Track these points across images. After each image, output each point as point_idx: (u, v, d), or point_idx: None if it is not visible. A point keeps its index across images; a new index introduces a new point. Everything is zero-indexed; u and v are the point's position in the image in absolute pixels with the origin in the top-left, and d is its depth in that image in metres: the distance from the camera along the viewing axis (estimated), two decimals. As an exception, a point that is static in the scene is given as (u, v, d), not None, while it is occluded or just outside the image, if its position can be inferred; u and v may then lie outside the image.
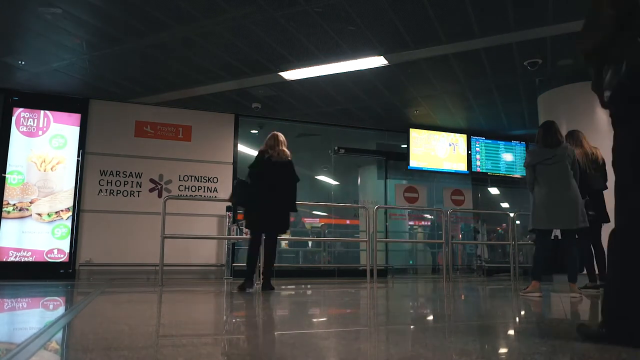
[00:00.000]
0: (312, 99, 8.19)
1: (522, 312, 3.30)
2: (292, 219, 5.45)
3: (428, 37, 5.91)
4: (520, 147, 10.45)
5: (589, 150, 5.12)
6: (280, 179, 4.86)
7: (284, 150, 4.96)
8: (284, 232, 5.19)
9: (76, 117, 7.97)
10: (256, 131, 9.94)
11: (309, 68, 6.82)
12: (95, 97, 8.03)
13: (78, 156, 7.87)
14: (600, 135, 6.79)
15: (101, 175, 7.95)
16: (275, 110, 8.80)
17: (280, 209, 4.89)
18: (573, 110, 7.01)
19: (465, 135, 10.13)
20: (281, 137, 5.05)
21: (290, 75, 7.06)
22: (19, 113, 7.71)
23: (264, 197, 4.77)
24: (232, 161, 8.80)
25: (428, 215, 11.60)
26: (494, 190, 11.87)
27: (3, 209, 7.40)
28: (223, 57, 6.51)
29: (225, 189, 8.64)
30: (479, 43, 6.07)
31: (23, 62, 6.67)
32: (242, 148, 9.31)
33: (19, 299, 4.09)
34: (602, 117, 6.83)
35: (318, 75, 7.06)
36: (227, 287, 5.77)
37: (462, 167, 10.12)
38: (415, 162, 9.77)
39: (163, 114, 8.39)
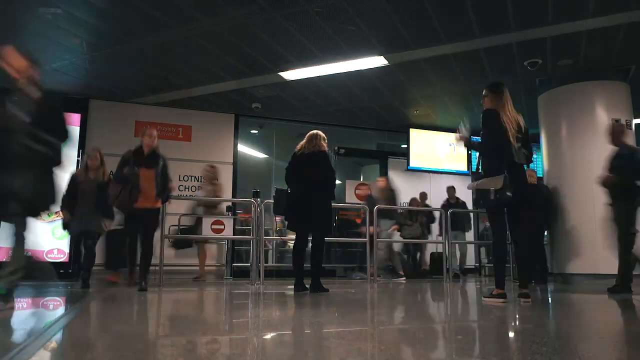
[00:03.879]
0: (312, 99, 8.19)
1: (524, 314, 3.29)
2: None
3: (428, 37, 5.91)
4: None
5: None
6: (315, 173, 4.61)
7: (320, 144, 4.71)
8: (327, 231, 4.80)
9: (76, 117, 7.96)
10: (256, 131, 9.95)
11: (309, 68, 6.81)
12: (95, 97, 8.03)
13: (78, 156, 7.86)
14: (599, 136, 6.79)
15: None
16: (275, 110, 8.80)
17: (319, 205, 4.62)
18: (573, 110, 7.00)
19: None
20: (320, 133, 4.82)
21: (290, 75, 7.06)
22: (19, 113, 7.69)
23: (301, 195, 4.61)
24: (232, 161, 8.80)
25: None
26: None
27: (3, 209, 7.39)
28: (223, 57, 6.50)
29: (225, 188, 8.63)
30: (479, 43, 6.07)
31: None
32: (242, 148, 9.32)
33: (18, 299, 4.08)
34: (602, 117, 6.83)
35: (318, 75, 7.05)
36: (227, 288, 5.76)
37: (462, 167, 10.12)
38: (415, 162, 9.77)
39: (163, 114, 8.38)
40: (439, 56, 6.45)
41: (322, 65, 6.72)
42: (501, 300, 3.62)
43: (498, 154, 3.68)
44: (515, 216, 3.81)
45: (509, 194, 3.55)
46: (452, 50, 6.28)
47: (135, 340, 1.91)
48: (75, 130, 7.92)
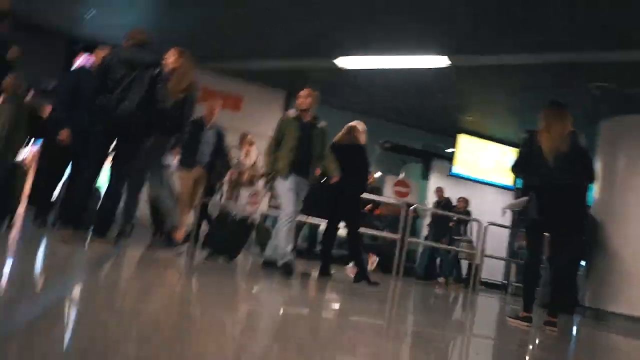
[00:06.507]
0: (365, 89, 8.07)
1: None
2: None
3: (499, 45, 5.72)
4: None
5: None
6: (350, 165, 4.61)
7: (357, 137, 4.82)
8: (358, 222, 4.86)
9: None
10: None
11: (368, 57, 6.71)
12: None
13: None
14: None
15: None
16: (325, 95, 8.71)
17: (351, 197, 4.70)
18: (635, 142, 6.64)
19: (516, 150, 9.79)
20: (359, 126, 4.90)
21: (346, 62, 6.97)
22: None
23: (334, 185, 4.52)
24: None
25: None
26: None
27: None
28: (283, 35, 6.48)
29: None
30: (549, 58, 5.83)
31: (92, 12, 6.84)
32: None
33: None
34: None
35: (376, 67, 6.95)
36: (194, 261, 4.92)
37: (508, 181, 9.81)
38: (459, 168, 9.54)
39: (217, 81, 8.43)
40: (505, 66, 6.25)
41: (382, 56, 6.60)
42: (526, 323, 3.51)
43: (524, 176, 3.79)
44: (554, 239, 3.69)
45: (534, 216, 3.50)
46: (520, 62, 6.07)
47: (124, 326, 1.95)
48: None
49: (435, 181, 10.03)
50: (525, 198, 3.61)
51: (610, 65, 5.77)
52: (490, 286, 9.19)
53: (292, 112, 4.50)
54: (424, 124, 9.65)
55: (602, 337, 4.43)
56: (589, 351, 3.23)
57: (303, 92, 4.51)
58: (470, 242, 8.30)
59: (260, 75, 8.31)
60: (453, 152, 9.55)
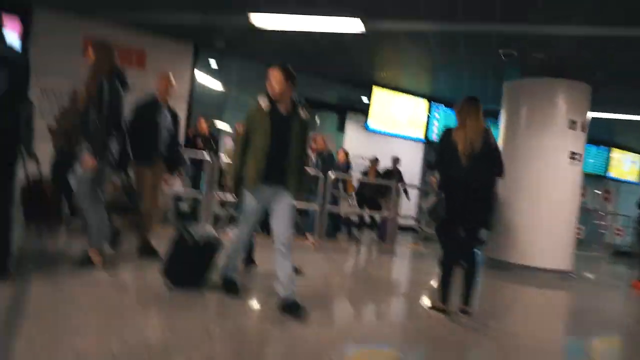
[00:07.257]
0: (278, 45, 7.69)
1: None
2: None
3: (409, 11, 5.65)
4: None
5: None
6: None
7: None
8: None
9: (15, 21, 7.07)
10: (215, 67, 9.32)
11: (281, 15, 6.34)
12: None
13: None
14: (557, 134, 6.96)
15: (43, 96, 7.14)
16: (240, 47, 8.23)
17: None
18: (534, 102, 7.10)
19: (426, 100, 10.04)
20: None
21: (258, 19, 6.54)
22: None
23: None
24: (188, 92, 8.32)
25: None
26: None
27: None
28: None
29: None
30: (461, 27, 5.89)
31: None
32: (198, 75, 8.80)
33: None
34: (561, 114, 6.95)
35: (289, 29, 6.63)
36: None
37: (420, 134, 10.13)
38: (374, 122, 9.63)
39: (115, 34, 7.59)
40: (419, 32, 6.26)
41: (295, 15, 6.27)
42: (443, 315, 3.69)
43: (442, 172, 3.84)
44: (463, 230, 3.76)
45: (443, 215, 3.69)
46: (434, 29, 6.11)
47: None
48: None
49: (350, 134, 10.13)
50: (435, 199, 3.82)
51: (515, 36, 5.98)
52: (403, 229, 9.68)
53: (263, 102, 3.31)
54: (339, 78, 9.52)
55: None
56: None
57: (273, 72, 3.27)
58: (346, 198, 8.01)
59: (164, 27, 7.59)
60: (368, 105, 9.57)
